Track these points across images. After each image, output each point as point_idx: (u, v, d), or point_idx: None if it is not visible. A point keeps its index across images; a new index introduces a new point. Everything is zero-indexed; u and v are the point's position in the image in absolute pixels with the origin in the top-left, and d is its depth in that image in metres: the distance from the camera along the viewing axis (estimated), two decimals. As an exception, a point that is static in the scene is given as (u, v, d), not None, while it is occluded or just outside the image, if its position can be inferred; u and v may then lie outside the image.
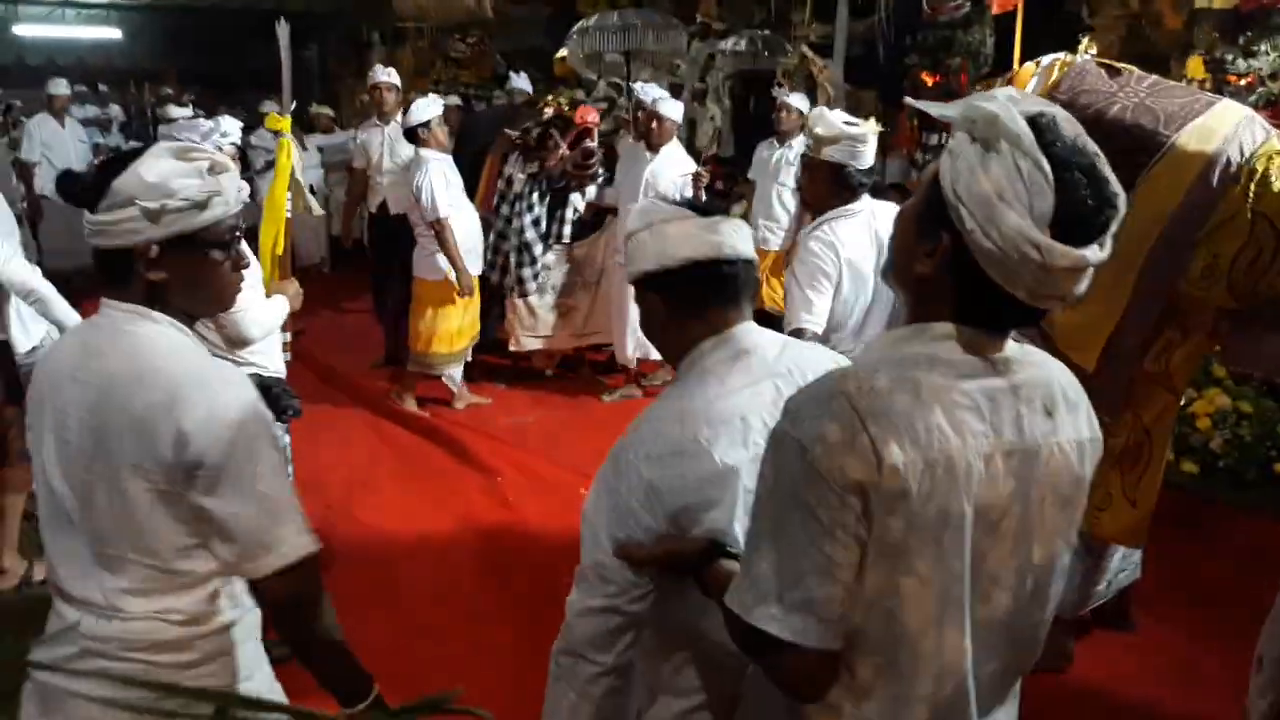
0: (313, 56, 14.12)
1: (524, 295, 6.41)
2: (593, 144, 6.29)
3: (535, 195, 6.37)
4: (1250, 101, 4.88)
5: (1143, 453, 3.05)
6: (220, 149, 3.02)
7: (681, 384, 1.70)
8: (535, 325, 6.52)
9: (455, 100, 8.99)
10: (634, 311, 6.06)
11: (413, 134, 5.72)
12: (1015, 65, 6.60)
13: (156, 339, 1.63)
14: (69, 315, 3.73)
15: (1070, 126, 1.23)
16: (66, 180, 1.66)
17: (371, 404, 6.29)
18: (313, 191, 9.14)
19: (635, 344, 6.16)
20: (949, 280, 1.25)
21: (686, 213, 1.70)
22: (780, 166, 6.93)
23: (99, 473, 1.57)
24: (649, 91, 6.17)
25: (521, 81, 8.54)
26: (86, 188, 1.61)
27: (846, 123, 3.26)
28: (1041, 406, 1.29)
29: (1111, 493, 3.07)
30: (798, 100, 7.05)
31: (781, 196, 6.93)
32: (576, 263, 6.57)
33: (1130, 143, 2.80)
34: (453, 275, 5.72)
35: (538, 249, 6.38)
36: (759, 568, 1.27)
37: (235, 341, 3.11)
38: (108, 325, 1.66)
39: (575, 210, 6.48)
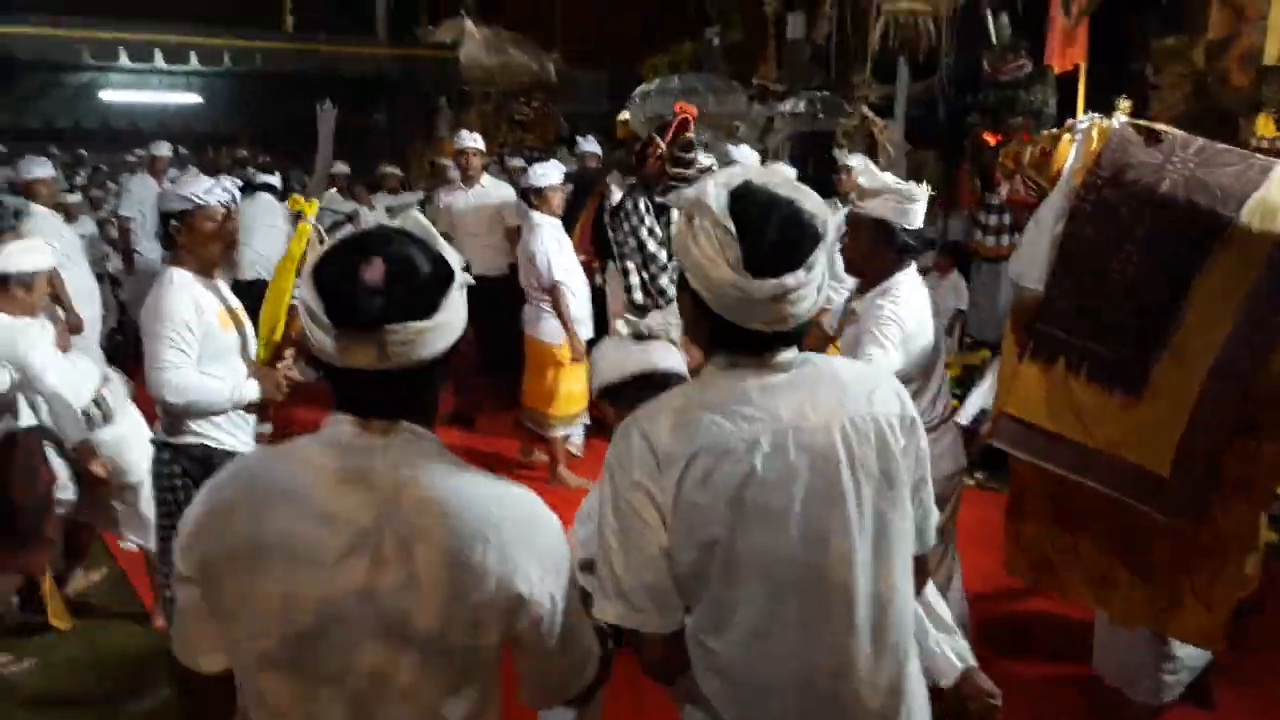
0: (382, 120, 14.50)
1: (666, 300, 5.66)
2: (692, 135, 5.58)
3: (642, 204, 5.60)
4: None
5: (1216, 556, 2.85)
6: (221, 204, 3.14)
7: None
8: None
9: (520, 163, 9.15)
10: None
11: (526, 196, 5.82)
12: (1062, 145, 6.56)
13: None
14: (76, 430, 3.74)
15: (775, 184, 1.56)
16: (368, 291, 1.31)
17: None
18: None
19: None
20: (706, 326, 1.60)
21: (627, 340, 2.36)
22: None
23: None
24: (733, 154, 6.25)
25: (590, 145, 8.66)
26: (417, 290, 1.33)
27: (894, 182, 3.20)
28: (824, 389, 1.59)
29: (1183, 594, 2.90)
30: (858, 161, 7.02)
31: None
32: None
33: (1187, 222, 2.69)
34: (566, 339, 5.73)
35: (663, 257, 5.59)
36: (602, 569, 1.62)
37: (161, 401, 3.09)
38: (440, 467, 1.42)
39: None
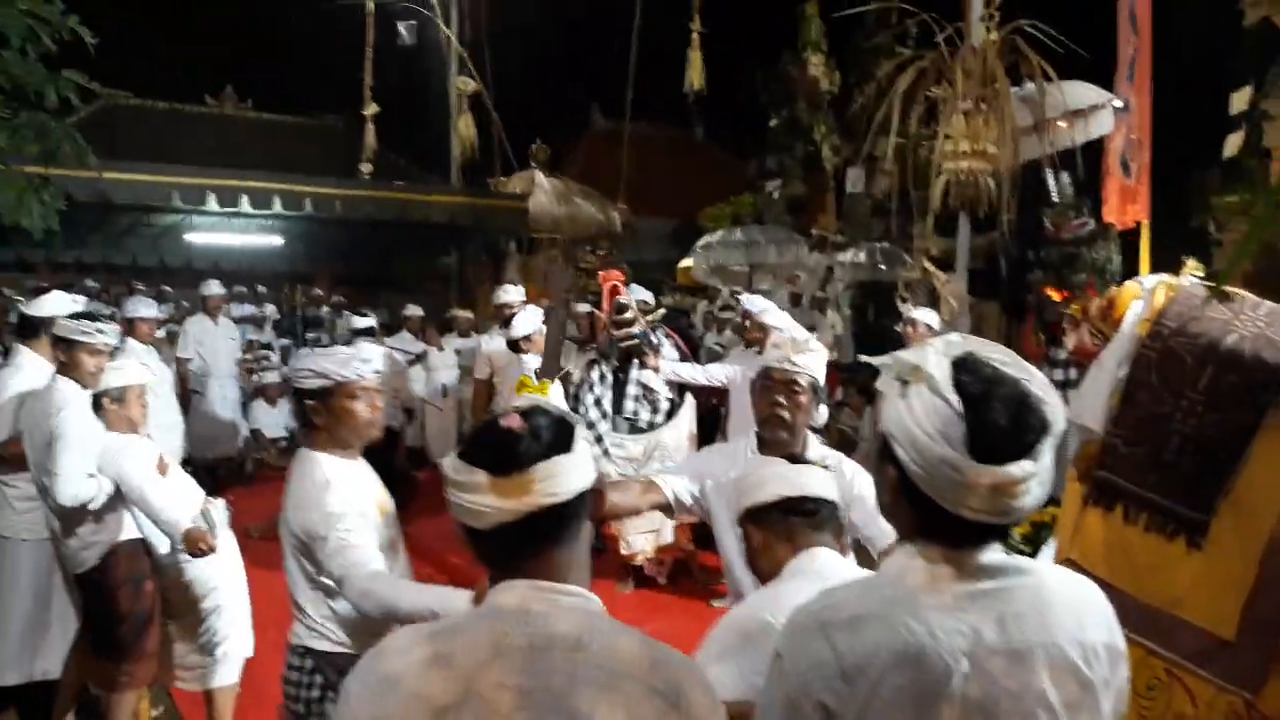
0: (452, 263, 15.00)
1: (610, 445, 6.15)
2: (625, 299, 6.14)
3: (595, 375, 6.26)
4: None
5: None
6: (362, 376, 2.81)
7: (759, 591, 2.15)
8: (640, 520, 6.40)
9: (586, 308, 9.34)
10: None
11: (515, 345, 6.04)
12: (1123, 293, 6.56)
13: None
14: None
15: (999, 359, 1.42)
16: (507, 438, 1.45)
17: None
18: (445, 392, 9.55)
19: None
20: (907, 506, 1.44)
21: (779, 461, 2.32)
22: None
23: None
24: (755, 303, 6.41)
25: (640, 293, 8.81)
26: (554, 431, 1.47)
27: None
28: (1029, 608, 1.39)
29: None
30: (924, 315, 7.06)
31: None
32: (666, 448, 6.45)
33: (1253, 376, 2.66)
34: None
35: (603, 426, 6.12)
36: None
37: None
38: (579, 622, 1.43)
39: (643, 389, 6.24)
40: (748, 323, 6.50)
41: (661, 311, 6.74)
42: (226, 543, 3.98)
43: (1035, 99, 7.38)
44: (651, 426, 6.22)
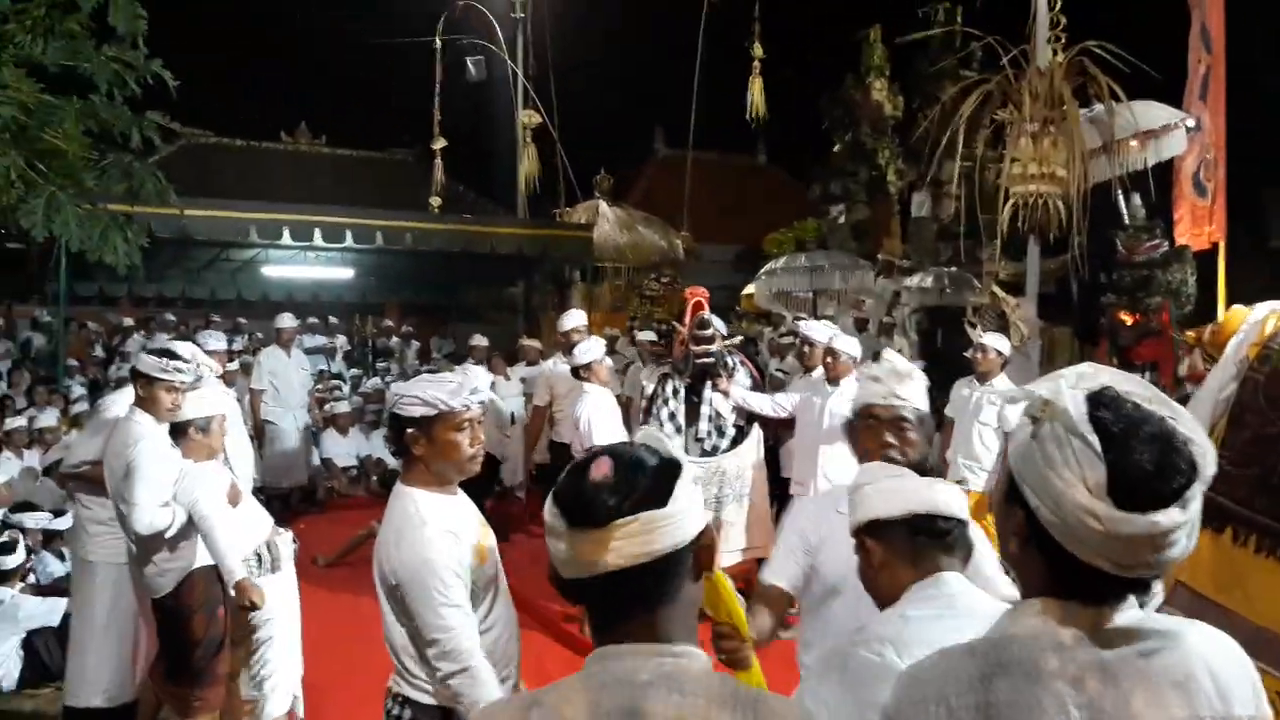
0: (518, 293, 15.21)
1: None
2: (706, 314, 6.13)
3: (669, 390, 6.21)
4: None
5: None
6: (468, 407, 2.62)
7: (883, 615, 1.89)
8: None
9: (650, 335, 9.38)
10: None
11: (577, 372, 6.08)
12: (1220, 304, 6.40)
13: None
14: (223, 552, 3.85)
15: (1139, 394, 1.26)
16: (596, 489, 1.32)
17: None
18: (513, 420, 9.65)
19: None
20: (1036, 555, 1.28)
21: (907, 472, 2.04)
22: (981, 406, 6.73)
23: None
24: (816, 329, 6.37)
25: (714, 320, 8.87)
26: (647, 481, 1.33)
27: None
28: (1170, 682, 1.22)
29: None
30: (995, 340, 6.88)
31: (983, 436, 6.71)
32: (726, 475, 6.41)
33: None
34: None
35: (674, 443, 6.11)
36: None
37: None
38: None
39: (716, 413, 6.18)
40: (806, 349, 6.44)
41: (739, 338, 6.73)
42: (287, 574, 4.08)
43: (1104, 120, 7.27)
44: (716, 451, 6.17)
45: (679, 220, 15.75)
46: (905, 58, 13.66)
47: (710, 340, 6.00)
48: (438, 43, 15.12)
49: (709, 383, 6.10)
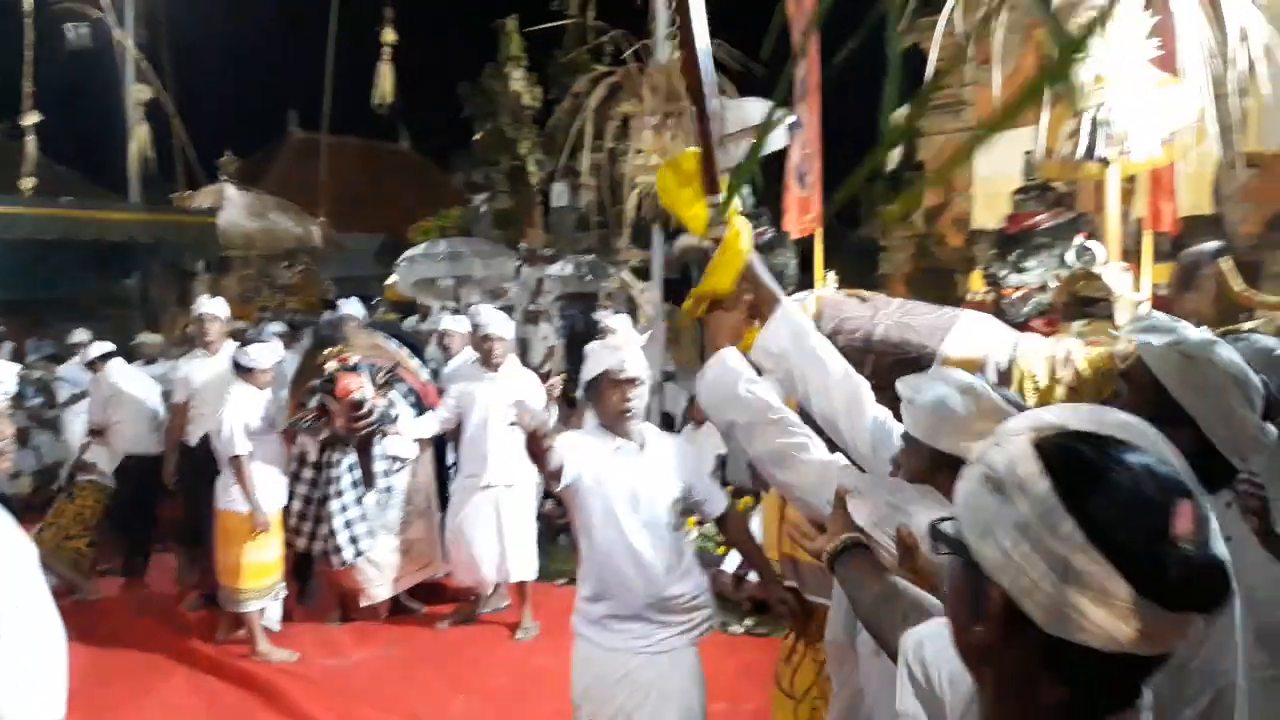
0: (134, 285, 13.81)
1: (359, 555, 5.98)
2: (359, 395, 5.85)
3: (339, 457, 5.96)
4: (1024, 312, 5.31)
5: None
6: None
7: None
8: (382, 574, 6.17)
9: (280, 327, 8.84)
10: (477, 529, 5.91)
11: (242, 371, 5.63)
12: (817, 285, 7.05)
13: None
14: None
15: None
16: None
17: (175, 647, 5.77)
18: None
19: (486, 564, 5.96)
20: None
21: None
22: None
23: None
24: (481, 315, 6.33)
25: (352, 306, 8.43)
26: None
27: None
28: None
29: None
30: (619, 322, 7.25)
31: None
32: (406, 494, 6.32)
33: (902, 357, 3.02)
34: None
35: (355, 511, 5.95)
36: None
37: None
38: None
39: (390, 458, 6.18)
40: (448, 339, 6.42)
41: (395, 365, 6.49)
42: None
43: (719, 114, 7.78)
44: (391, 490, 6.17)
45: (316, 207, 15.04)
46: (543, 48, 13.93)
47: (369, 414, 5.81)
48: (27, 3, 13.37)
49: (378, 437, 6.01)
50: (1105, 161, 4.53)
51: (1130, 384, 1.94)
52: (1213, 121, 4.64)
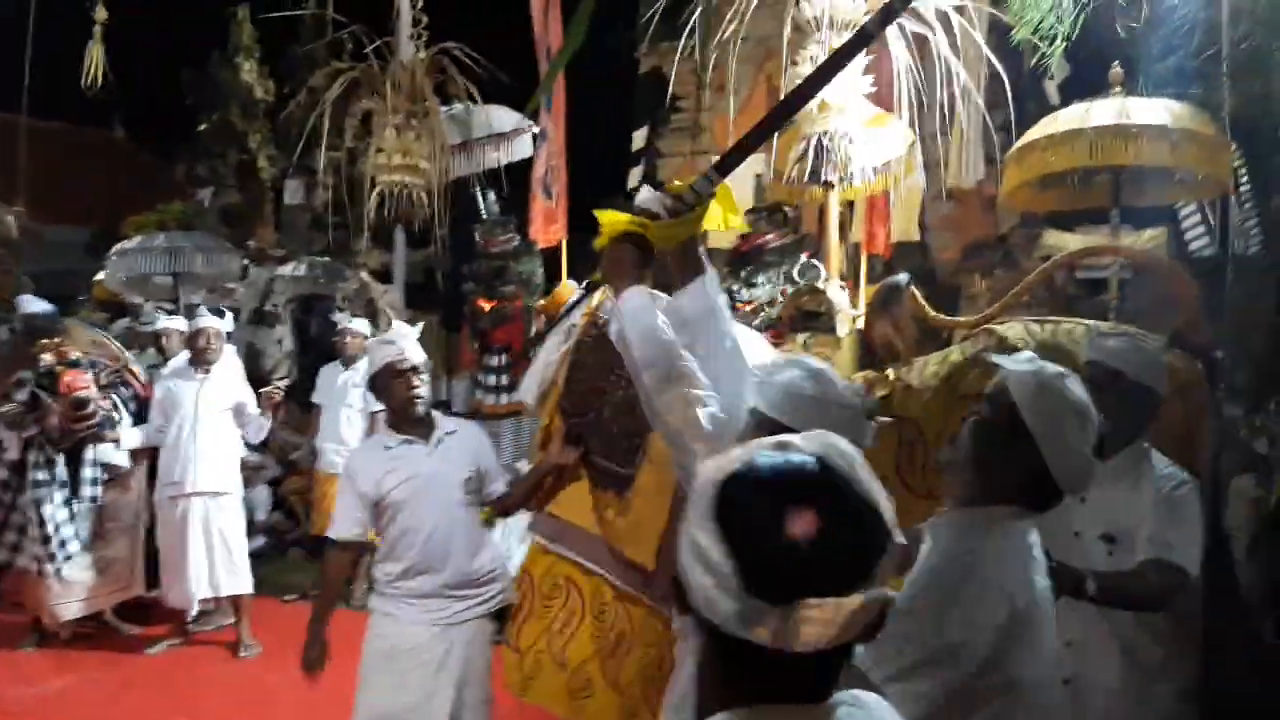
0: None
1: (56, 569, 5.52)
2: (84, 394, 5.56)
3: (47, 458, 5.55)
4: (755, 325, 5.59)
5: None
6: None
7: None
8: (70, 592, 5.62)
9: (25, 394, 7.86)
10: (185, 542, 5.57)
11: None
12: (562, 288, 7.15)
13: None
14: None
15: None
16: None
17: None
18: None
19: (195, 579, 5.59)
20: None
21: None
22: (347, 389, 6.89)
23: None
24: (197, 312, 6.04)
25: (35, 304, 7.61)
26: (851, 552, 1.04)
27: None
28: None
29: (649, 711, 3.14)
30: (359, 325, 7.11)
31: (350, 419, 6.85)
32: (111, 508, 5.82)
33: None
34: None
35: (63, 514, 5.56)
36: None
37: None
38: None
39: (103, 466, 5.77)
40: (164, 340, 6.18)
41: (122, 365, 6.01)
42: None
43: (463, 118, 7.74)
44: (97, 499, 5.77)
45: (12, 195, 13.57)
46: (279, 39, 13.27)
47: (92, 415, 5.53)
48: None
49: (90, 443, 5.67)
50: (829, 185, 4.86)
51: (990, 404, 2.12)
52: (919, 155, 5.09)
